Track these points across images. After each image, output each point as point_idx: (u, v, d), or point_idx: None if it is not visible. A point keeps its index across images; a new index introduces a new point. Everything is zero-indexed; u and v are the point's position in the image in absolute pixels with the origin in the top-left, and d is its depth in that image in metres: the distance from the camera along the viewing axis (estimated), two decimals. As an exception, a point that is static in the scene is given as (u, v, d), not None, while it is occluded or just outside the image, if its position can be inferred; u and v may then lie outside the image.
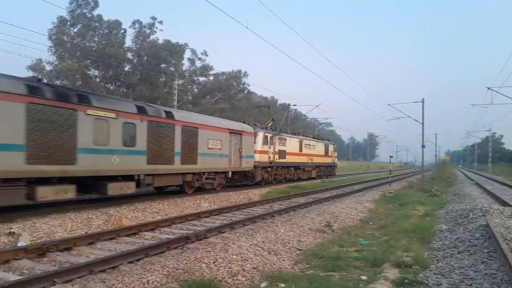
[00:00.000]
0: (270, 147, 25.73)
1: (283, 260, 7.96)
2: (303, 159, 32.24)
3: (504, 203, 15.91)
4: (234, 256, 7.48)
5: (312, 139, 35.55)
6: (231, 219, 12.37)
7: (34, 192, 10.90)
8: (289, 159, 29.03)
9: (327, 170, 39.37)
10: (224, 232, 10.20)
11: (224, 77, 50.37)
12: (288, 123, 45.45)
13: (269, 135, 25.68)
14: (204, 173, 18.28)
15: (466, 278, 6.42)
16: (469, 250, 8.21)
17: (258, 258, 7.66)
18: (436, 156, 67.18)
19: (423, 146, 37.13)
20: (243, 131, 21.54)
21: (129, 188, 13.85)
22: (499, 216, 11.98)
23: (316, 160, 35.52)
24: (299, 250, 8.90)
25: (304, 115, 62.50)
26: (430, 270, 7.12)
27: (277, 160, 26.99)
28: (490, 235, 8.86)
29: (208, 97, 48.87)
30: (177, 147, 16.05)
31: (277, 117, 66.44)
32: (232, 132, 20.49)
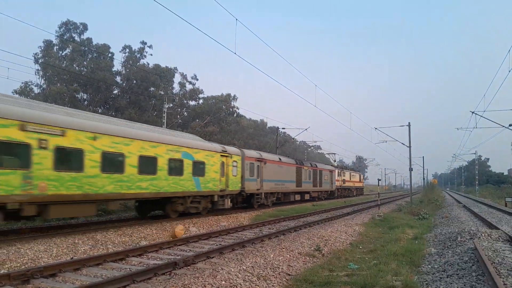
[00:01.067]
0: (339, 177, 48.20)
1: (273, 286, 7.88)
2: (351, 184, 55.05)
3: (491, 226, 16.06)
4: (223, 282, 7.38)
5: (353, 171, 60.85)
6: (220, 244, 12.23)
7: (293, 197, 31.84)
8: (346, 184, 51.93)
9: (360, 191, 62.06)
10: (213, 257, 10.07)
11: (214, 100, 50.63)
12: (277, 146, 45.58)
13: (339, 171, 48.73)
14: (322, 191, 40.05)
15: (456, 302, 6.41)
16: (458, 274, 8.22)
17: (247, 284, 7.57)
18: (424, 179, 67.58)
19: (410, 169, 37.48)
20: (333, 170, 44.33)
21: (307, 197, 35.78)
22: (486, 239, 12.07)
23: (356, 184, 58.28)
24: (289, 275, 8.82)
25: (293, 138, 62.83)
26: (420, 295, 7.10)
27: (342, 185, 49.65)
28: (478, 258, 8.91)
29: (197, 120, 48.92)
30: (319, 179, 37.88)
31: (266, 140, 66.70)
32: (330, 171, 42.89)
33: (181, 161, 16.82)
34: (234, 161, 21.67)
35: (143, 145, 14.70)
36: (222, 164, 20.25)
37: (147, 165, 14.82)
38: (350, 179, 54.68)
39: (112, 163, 13.31)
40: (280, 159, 29.55)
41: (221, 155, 20.20)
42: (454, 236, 13.07)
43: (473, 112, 31.59)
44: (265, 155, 27.16)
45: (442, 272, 8.64)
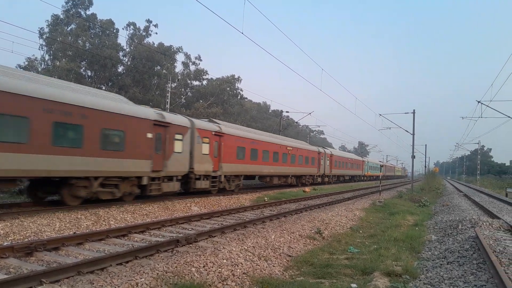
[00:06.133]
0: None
1: (274, 266, 7.93)
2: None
3: (492, 215, 16.08)
4: (224, 261, 7.42)
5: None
6: (221, 224, 12.30)
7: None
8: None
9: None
10: (215, 236, 10.14)
11: (218, 81, 50.31)
12: (280, 129, 45.47)
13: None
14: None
15: (456, 289, 6.44)
16: (458, 261, 8.25)
17: (248, 264, 7.61)
18: (425, 166, 67.48)
19: (413, 157, 37.35)
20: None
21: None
22: (488, 228, 12.09)
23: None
24: (290, 256, 8.88)
25: (296, 122, 62.60)
26: (420, 280, 7.14)
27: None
28: (480, 246, 8.92)
29: (201, 101, 48.73)
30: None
31: (269, 123, 66.53)
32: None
33: None
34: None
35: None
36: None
37: None
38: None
39: None
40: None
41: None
42: (455, 224, 13.10)
43: (479, 102, 31.29)
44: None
45: (443, 259, 8.67)
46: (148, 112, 15.62)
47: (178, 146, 17.04)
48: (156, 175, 15.72)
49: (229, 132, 21.60)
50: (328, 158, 41.05)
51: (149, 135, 15.31)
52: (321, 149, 39.63)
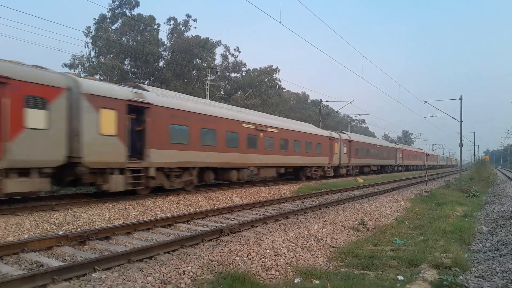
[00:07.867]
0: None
1: (317, 257, 7.90)
2: None
3: (549, 206, 15.13)
4: (268, 251, 7.48)
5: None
6: (263, 214, 12.39)
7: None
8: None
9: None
10: (257, 226, 10.22)
11: (256, 73, 50.30)
12: (319, 119, 44.91)
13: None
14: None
15: (510, 282, 6.14)
16: (512, 254, 7.85)
17: (291, 254, 7.63)
18: (474, 155, 64.43)
19: (461, 145, 35.79)
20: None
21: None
22: (544, 219, 11.40)
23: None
24: (333, 247, 8.80)
25: (337, 111, 61.61)
26: (471, 273, 6.87)
27: None
28: (536, 238, 8.43)
29: (239, 92, 48.96)
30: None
31: (308, 113, 65.85)
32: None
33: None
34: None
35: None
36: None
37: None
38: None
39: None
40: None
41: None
42: (508, 215, 12.46)
43: (533, 85, 29.41)
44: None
45: (495, 251, 8.28)
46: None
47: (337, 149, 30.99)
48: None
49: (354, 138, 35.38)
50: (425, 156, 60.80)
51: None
52: (423, 150, 57.54)
